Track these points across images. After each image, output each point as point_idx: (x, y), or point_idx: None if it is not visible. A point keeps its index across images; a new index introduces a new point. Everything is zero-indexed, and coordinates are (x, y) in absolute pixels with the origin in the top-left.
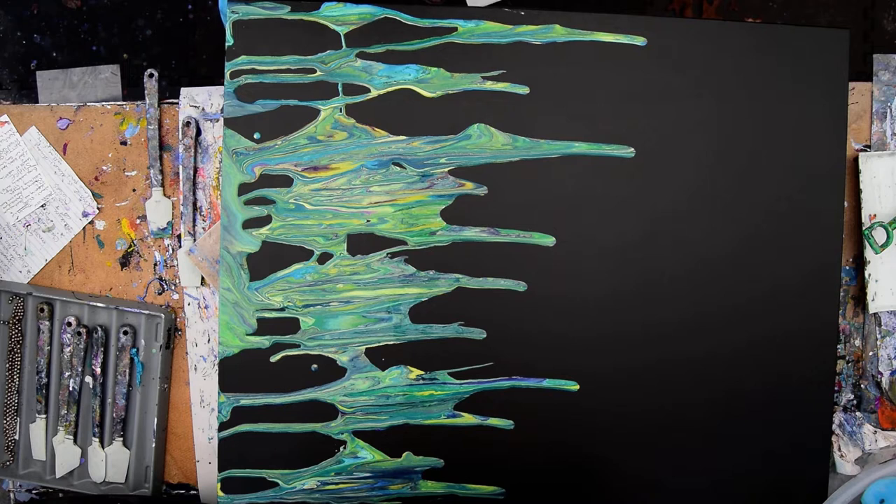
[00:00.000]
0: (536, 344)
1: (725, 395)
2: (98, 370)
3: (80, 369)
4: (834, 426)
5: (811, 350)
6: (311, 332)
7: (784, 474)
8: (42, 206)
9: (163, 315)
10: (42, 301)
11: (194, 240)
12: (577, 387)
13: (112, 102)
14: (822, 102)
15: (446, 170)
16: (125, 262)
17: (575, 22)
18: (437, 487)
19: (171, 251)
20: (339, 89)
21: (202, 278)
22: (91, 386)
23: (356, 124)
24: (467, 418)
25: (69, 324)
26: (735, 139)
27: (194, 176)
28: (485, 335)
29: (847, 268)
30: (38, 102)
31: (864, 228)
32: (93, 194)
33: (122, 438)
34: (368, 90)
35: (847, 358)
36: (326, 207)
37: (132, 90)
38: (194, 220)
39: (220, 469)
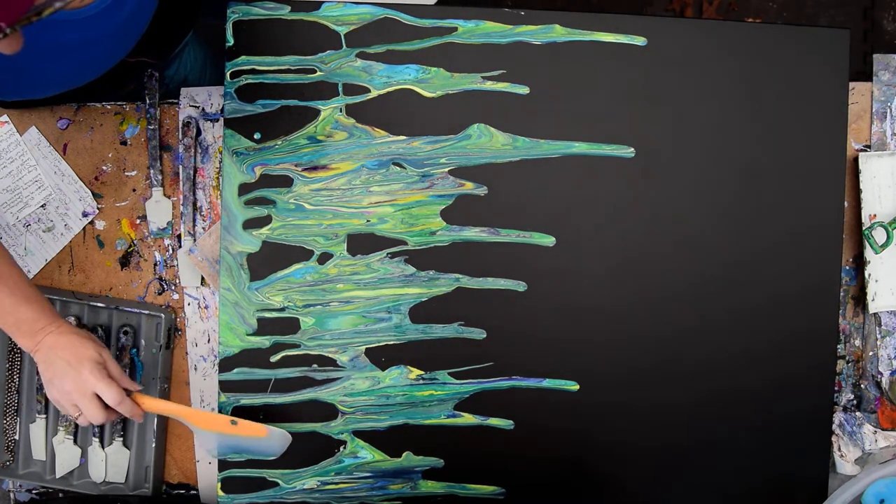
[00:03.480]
0: (536, 344)
1: (725, 395)
2: None
3: None
4: (834, 426)
5: (811, 350)
6: (311, 332)
7: (784, 474)
8: (42, 206)
9: (163, 315)
10: None
11: (194, 240)
12: (577, 387)
13: (112, 102)
14: (822, 102)
15: (446, 170)
16: (125, 262)
17: (575, 22)
18: (437, 487)
19: (171, 251)
20: (339, 89)
21: (202, 278)
22: None
23: (356, 124)
24: (467, 418)
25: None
26: (735, 139)
27: (194, 176)
28: (485, 335)
29: (847, 268)
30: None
31: (864, 228)
32: (93, 194)
33: (122, 438)
34: (368, 90)
35: (847, 358)
36: (326, 207)
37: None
38: (194, 220)
39: (220, 469)
